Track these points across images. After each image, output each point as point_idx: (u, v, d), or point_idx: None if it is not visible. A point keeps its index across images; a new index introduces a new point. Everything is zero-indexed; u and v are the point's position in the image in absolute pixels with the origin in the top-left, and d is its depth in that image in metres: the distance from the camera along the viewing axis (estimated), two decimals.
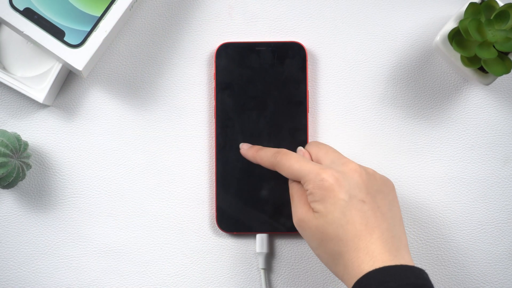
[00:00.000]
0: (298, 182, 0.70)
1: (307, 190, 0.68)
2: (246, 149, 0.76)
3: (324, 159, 0.70)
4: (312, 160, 0.72)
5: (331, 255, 0.66)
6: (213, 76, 0.79)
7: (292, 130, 0.77)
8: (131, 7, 0.75)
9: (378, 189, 0.68)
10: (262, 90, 0.78)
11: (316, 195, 0.67)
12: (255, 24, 0.80)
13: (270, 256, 0.78)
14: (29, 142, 0.79)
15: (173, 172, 0.79)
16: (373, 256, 0.64)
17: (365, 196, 0.67)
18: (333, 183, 0.67)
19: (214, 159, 0.78)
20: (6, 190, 0.79)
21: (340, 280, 0.77)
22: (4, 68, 0.78)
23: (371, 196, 0.67)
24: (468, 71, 0.74)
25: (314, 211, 0.68)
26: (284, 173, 0.71)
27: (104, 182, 0.79)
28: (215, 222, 0.78)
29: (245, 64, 0.78)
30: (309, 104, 0.79)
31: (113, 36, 0.76)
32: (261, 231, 0.77)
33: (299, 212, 0.69)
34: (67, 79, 0.79)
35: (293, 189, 0.71)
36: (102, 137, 0.79)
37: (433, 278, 0.78)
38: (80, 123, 0.79)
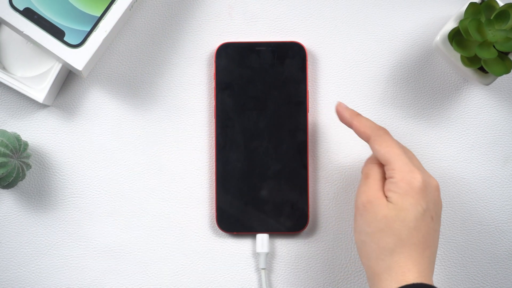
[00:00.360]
0: (380, 165, 0.69)
1: (391, 178, 0.67)
2: (344, 108, 0.71)
3: (412, 161, 0.69)
4: None
5: (382, 248, 0.66)
6: (213, 76, 0.79)
7: (292, 130, 0.77)
8: (131, 7, 0.75)
9: (440, 212, 0.69)
10: (262, 90, 0.78)
11: (400, 188, 0.66)
12: (255, 24, 0.80)
13: (270, 256, 0.78)
14: (29, 142, 0.79)
15: (173, 172, 0.79)
16: (420, 270, 0.65)
17: (435, 215, 0.68)
18: (422, 187, 0.66)
19: (214, 159, 0.78)
20: (6, 190, 0.79)
21: (346, 277, 0.78)
22: (4, 68, 0.78)
23: (438, 217, 0.68)
24: (468, 71, 0.74)
25: (388, 200, 0.66)
26: (375, 149, 0.68)
27: (104, 182, 0.79)
28: (215, 222, 0.78)
29: (245, 64, 0.78)
30: (309, 104, 0.79)
31: (113, 36, 0.76)
32: (261, 231, 0.77)
33: (370, 193, 0.67)
34: (67, 79, 0.79)
35: (372, 169, 0.69)
36: (102, 137, 0.79)
37: (433, 278, 0.78)
38: (80, 123, 0.79)
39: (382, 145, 0.68)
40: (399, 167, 0.66)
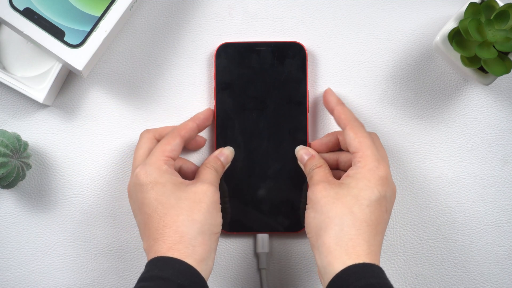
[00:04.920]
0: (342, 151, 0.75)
1: (355, 164, 0.70)
2: (331, 94, 0.76)
3: (382, 158, 0.71)
4: None
5: (331, 218, 0.68)
6: (213, 76, 0.79)
7: (292, 130, 0.77)
8: (131, 7, 0.75)
9: (390, 212, 0.71)
10: (262, 90, 0.78)
11: (360, 173, 0.69)
12: (255, 24, 0.80)
13: (270, 256, 0.78)
14: (29, 142, 0.79)
15: None
16: (371, 250, 0.66)
17: (388, 210, 0.69)
18: (383, 177, 0.69)
19: None
20: (6, 190, 0.79)
21: None
22: (4, 68, 0.78)
23: (389, 214, 0.70)
24: (468, 71, 0.74)
25: (341, 181, 0.69)
26: (350, 136, 0.71)
27: (104, 182, 0.79)
28: None
29: (245, 64, 0.78)
30: (309, 104, 0.79)
31: (113, 36, 0.76)
32: (261, 231, 0.77)
33: (322, 177, 0.71)
34: (67, 79, 0.79)
35: (320, 160, 0.73)
36: (102, 137, 0.79)
37: (433, 278, 0.78)
38: (80, 123, 0.79)
39: (357, 134, 0.71)
40: (367, 156, 0.70)
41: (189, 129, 0.74)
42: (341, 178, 0.70)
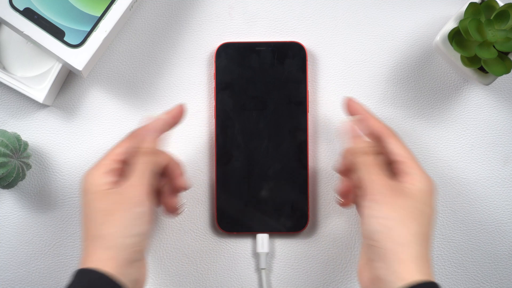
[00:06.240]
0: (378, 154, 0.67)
1: (409, 174, 0.64)
2: (358, 103, 0.70)
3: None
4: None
5: (412, 234, 0.62)
6: (213, 76, 0.79)
7: (292, 130, 0.77)
8: (131, 7, 0.75)
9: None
10: (262, 90, 0.78)
11: (421, 182, 0.64)
12: (255, 24, 0.80)
13: (270, 256, 0.78)
14: (29, 142, 0.79)
15: None
16: (431, 267, 0.63)
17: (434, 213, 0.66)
18: (434, 191, 0.66)
19: (214, 159, 0.78)
20: (6, 190, 0.79)
21: (346, 277, 0.78)
22: (4, 68, 0.78)
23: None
24: (468, 71, 0.74)
25: (407, 190, 0.64)
26: (394, 143, 0.66)
27: None
28: (215, 222, 0.78)
29: (245, 64, 0.78)
30: (309, 104, 0.79)
31: (113, 36, 0.76)
32: (261, 231, 0.77)
33: (388, 181, 0.64)
34: (67, 79, 0.79)
35: (371, 157, 0.66)
36: (102, 137, 0.79)
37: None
38: (80, 123, 0.79)
39: (400, 142, 0.67)
40: (417, 166, 0.65)
41: (156, 124, 0.69)
42: (403, 182, 0.65)
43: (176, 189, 0.70)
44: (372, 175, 0.65)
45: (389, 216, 0.63)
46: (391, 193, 0.64)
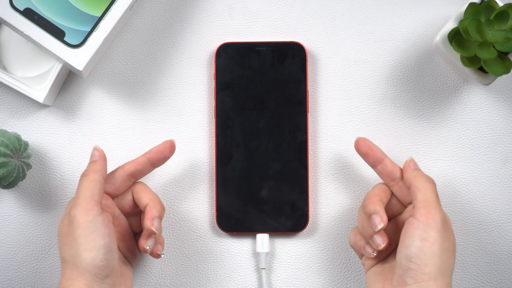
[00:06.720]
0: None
1: (418, 206, 0.68)
2: (373, 144, 0.73)
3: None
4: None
5: (447, 267, 0.67)
6: (213, 76, 0.79)
7: (292, 130, 0.77)
8: (131, 7, 0.75)
9: None
10: (262, 90, 0.78)
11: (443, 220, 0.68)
12: (255, 24, 0.80)
13: (270, 256, 0.78)
14: (29, 142, 0.79)
15: (173, 172, 0.79)
16: None
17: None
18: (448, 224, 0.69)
19: (214, 159, 0.78)
20: (6, 190, 0.79)
21: (346, 277, 0.77)
22: (4, 68, 0.78)
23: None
24: (468, 71, 0.74)
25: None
26: (409, 182, 0.70)
27: None
28: (215, 222, 0.78)
29: (245, 64, 0.78)
30: (309, 104, 0.79)
31: (113, 36, 0.76)
32: (261, 231, 0.77)
33: (442, 213, 0.69)
34: (67, 79, 0.79)
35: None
36: (102, 137, 0.79)
37: None
38: (80, 123, 0.79)
39: (418, 183, 0.70)
40: (431, 200, 0.69)
41: (135, 163, 0.73)
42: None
43: (146, 230, 0.70)
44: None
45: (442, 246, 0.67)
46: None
